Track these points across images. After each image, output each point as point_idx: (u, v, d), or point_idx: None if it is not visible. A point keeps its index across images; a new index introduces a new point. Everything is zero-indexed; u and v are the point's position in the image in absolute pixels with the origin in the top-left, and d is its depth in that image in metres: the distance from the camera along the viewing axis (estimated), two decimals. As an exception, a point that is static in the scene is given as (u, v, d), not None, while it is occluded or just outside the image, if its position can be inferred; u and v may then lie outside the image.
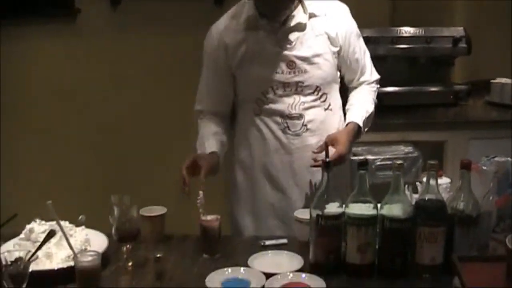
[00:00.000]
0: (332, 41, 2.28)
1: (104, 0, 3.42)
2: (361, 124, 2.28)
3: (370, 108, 2.36)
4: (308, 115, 2.27)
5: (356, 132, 2.28)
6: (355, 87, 2.42)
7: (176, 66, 3.65)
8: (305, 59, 2.24)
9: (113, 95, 3.51)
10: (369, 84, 2.42)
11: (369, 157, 3.08)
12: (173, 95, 3.64)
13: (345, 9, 2.36)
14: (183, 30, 3.65)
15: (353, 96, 2.41)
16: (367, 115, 2.32)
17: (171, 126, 3.65)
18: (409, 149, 3.25)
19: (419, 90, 3.71)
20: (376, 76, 2.44)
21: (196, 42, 3.54)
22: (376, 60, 3.51)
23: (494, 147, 3.17)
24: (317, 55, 2.26)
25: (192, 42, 3.59)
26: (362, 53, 2.38)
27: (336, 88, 2.38)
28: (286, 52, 2.24)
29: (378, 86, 2.45)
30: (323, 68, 2.27)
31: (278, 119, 2.28)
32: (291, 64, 2.24)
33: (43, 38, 3.19)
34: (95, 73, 3.43)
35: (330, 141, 2.17)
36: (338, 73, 2.37)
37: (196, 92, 2.44)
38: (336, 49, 2.29)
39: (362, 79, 2.40)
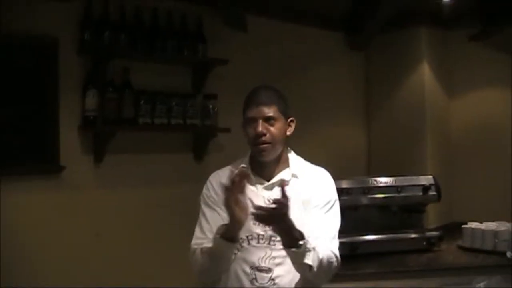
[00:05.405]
0: (305, 203, 2.35)
1: (88, 156, 3.57)
2: (303, 249, 2.15)
3: (323, 255, 2.22)
4: (277, 270, 2.31)
5: (294, 241, 2.15)
6: None
7: (158, 220, 3.76)
8: None
9: (98, 249, 3.56)
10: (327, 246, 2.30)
11: (345, 307, 3.10)
12: (157, 248, 3.73)
13: (326, 176, 2.47)
14: (165, 185, 3.81)
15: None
16: (314, 251, 2.17)
17: (157, 280, 3.68)
18: (383, 298, 3.28)
19: (393, 238, 3.81)
20: (336, 250, 2.33)
21: (177, 196, 3.69)
22: (349, 210, 3.67)
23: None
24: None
25: (174, 196, 3.73)
26: (327, 222, 2.37)
27: None
28: (264, 206, 2.22)
29: (336, 263, 2.30)
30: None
31: (248, 269, 2.32)
32: None
33: (29, 192, 3.29)
34: (80, 227, 3.50)
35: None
36: None
37: (187, 241, 2.43)
38: (308, 212, 2.35)
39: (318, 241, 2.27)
